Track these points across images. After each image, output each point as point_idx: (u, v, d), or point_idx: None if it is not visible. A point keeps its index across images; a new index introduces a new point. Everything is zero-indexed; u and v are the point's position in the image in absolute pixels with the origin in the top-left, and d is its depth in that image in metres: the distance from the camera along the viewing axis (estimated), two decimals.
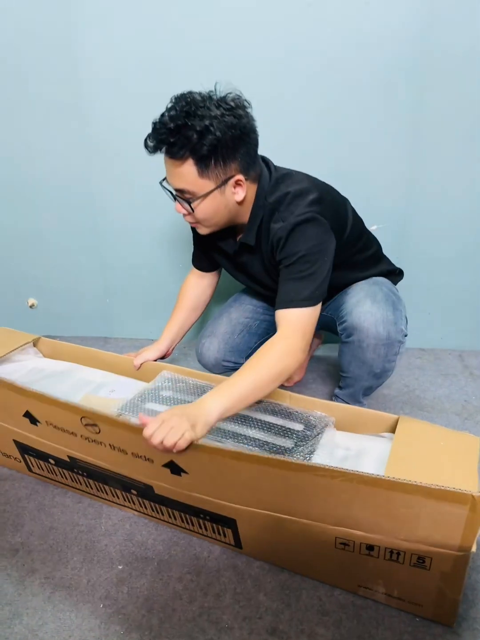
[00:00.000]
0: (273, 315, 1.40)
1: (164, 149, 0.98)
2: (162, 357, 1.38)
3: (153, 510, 1.07)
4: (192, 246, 1.38)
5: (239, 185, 1.04)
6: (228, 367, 1.37)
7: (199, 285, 1.40)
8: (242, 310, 1.40)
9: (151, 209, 1.70)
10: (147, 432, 0.85)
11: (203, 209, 1.04)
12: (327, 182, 1.19)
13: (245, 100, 1.01)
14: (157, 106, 1.49)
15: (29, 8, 1.46)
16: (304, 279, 1.03)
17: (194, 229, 1.28)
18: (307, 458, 1.00)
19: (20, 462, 1.23)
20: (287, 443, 1.06)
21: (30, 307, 1.95)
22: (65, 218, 1.77)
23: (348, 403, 1.34)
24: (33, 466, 1.21)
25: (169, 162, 1.00)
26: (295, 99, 1.48)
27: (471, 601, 0.92)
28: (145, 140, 1.00)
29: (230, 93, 1.00)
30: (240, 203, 1.07)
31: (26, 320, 1.96)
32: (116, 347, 1.89)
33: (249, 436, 1.05)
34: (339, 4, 1.36)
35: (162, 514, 1.06)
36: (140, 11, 1.43)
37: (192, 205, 1.04)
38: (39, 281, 1.91)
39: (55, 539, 1.08)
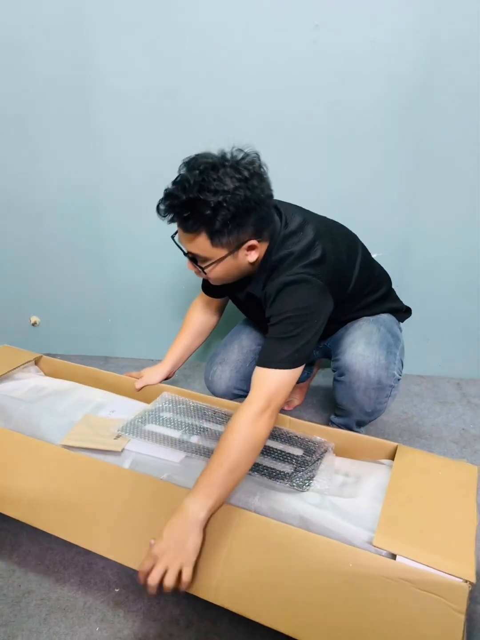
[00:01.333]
0: None
1: (170, 218, 0.98)
2: (164, 379, 1.39)
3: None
4: None
5: (252, 248, 1.03)
6: (238, 395, 1.38)
7: (207, 310, 1.41)
8: (252, 338, 1.40)
9: (156, 231, 1.72)
10: (143, 579, 0.81)
11: (215, 272, 1.05)
12: (328, 211, 1.21)
13: (262, 165, 0.99)
14: (165, 127, 1.56)
15: (40, 22, 1.49)
16: (285, 340, 0.99)
17: None
18: (306, 483, 1.01)
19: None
20: (287, 468, 1.06)
21: (33, 325, 1.96)
22: (70, 237, 1.80)
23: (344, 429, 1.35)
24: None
25: (181, 230, 1.00)
26: (299, 130, 1.52)
27: (470, 632, 0.92)
28: (158, 205, 0.99)
29: (246, 155, 0.97)
30: (252, 263, 1.07)
31: (28, 338, 1.97)
32: (116, 367, 1.90)
33: None
34: (344, 41, 1.41)
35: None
36: (151, 31, 1.47)
37: (205, 269, 1.04)
38: (42, 299, 1.93)
39: (52, 560, 1.08)
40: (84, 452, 1.11)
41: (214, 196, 0.91)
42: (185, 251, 1.05)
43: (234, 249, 1.00)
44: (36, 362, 1.53)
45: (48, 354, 1.51)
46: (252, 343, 1.39)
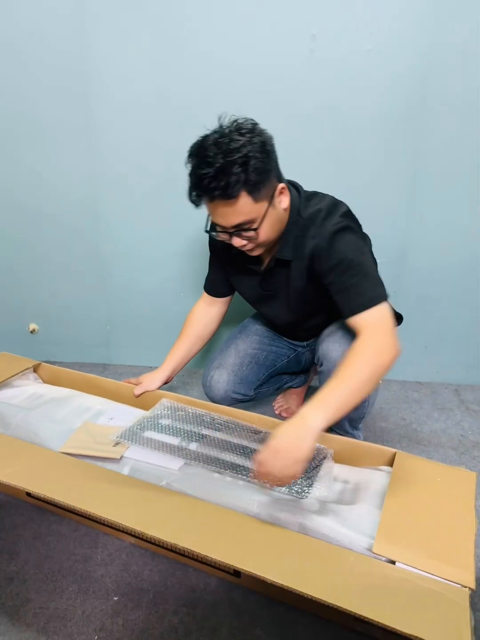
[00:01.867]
0: (279, 346, 1.43)
1: (208, 198, 0.99)
2: (163, 384, 1.39)
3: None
4: (208, 270, 1.39)
5: (282, 192, 1.07)
6: (236, 399, 1.38)
7: (208, 313, 1.41)
8: (248, 342, 1.41)
9: (156, 237, 1.74)
10: (262, 469, 0.89)
11: (265, 230, 1.06)
12: None
13: (250, 119, 1.03)
14: (165, 136, 1.56)
15: (41, 31, 1.51)
16: (360, 283, 1.03)
17: (214, 253, 1.31)
18: (306, 491, 1.00)
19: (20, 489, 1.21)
20: None
21: (31, 332, 1.96)
22: (69, 244, 1.80)
23: (341, 434, 1.34)
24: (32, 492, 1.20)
25: (222, 204, 0.99)
26: (297, 139, 1.53)
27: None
28: (191, 194, 1.01)
29: (236, 119, 1.02)
30: (285, 210, 1.10)
31: (26, 345, 1.97)
32: (115, 374, 1.90)
33: (247, 467, 1.06)
34: (341, 51, 1.43)
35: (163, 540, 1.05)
36: (151, 40, 1.48)
37: (257, 231, 1.04)
38: (41, 306, 1.93)
39: (51, 569, 1.07)
40: (83, 459, 1.11)
41: (238, 153, 0.94)
42: (229, 229, 1.05)
43: (271, 197, 1.03)
44: (35, 369, 1.53)
45: (47, 362, 1.51)
46: (248, 347, 1.40)
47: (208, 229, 1.10)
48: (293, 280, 1.18)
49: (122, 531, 1.11)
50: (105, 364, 1.98)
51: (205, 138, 1.00)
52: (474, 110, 1.45)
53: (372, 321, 0.99)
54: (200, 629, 0.94)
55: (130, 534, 1.11)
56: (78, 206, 1.73)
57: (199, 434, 1.20)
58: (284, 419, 1.52)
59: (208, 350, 1.75)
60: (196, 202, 1.02)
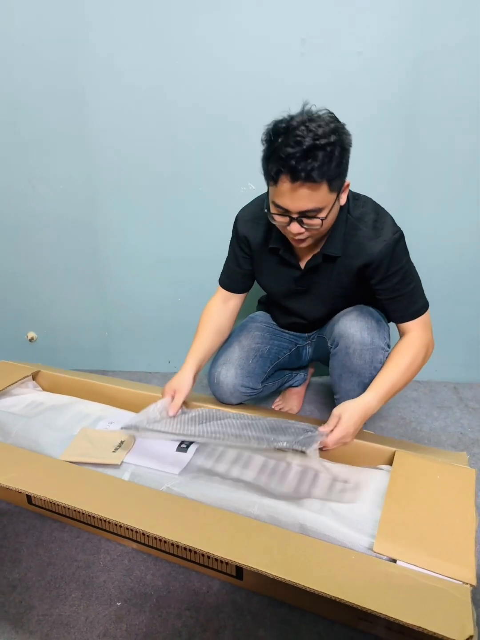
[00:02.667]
0: (281, 340, 1.45)
1: (290, 177, 0.95)
2: None
3: (155, 538, 1.06)
4: (225, 266, 1.36)
5: (345, 189, 1.07)
6: (245, 394, 1.36)
7: (226, 309, 1.37)
8: (251, 337, 1.41)
9: (153, 243, 1.75)
10: (337, 441, 1.09)
11: (329, 220, 1.06)
12: None
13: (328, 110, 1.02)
14: (159, 141, 1.57)
15: (35, 36, 1.51)
16: (414, 291, 1.17)
17: (240, 247, 1.28)
18: (309, 443, 1.07)
19: (22, 493, 1.21)
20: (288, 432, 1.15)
21: (30, 340, 1.97)
22: (66, 252, 1.80)
23: None
24: (34, 498, 1.21)
25: (300, 186, 0.96)
26: None
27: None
28: (270, 170, 0.98)
29: (319, 110, 1.00)
30: (342, 206, 1.11)
31: (25, 354, 1.98)
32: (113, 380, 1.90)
33: (272, 439, 1.12)
34: (331, 54, 1.44)
35: (164, 543, 1.06)
36: (144, 45, 1.49)
37: (323, 220, 1.03)
38: (39, 315, 1.93)
39: (54, 575, 1.07)
40: (83, 466, 1.12)
41: (326, 139, 0.94)
42: (294, 214, 1.02)
43: (339, 190, 1.04)
44: (34, 376, 1.53)
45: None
46: (251, 342, 1.39)
47: (268, 211, 1.06)
48: (338, 277, 1.21)
49: (124, 537, 1.12)
50: (105, 370, 1.99)
51: (291, 118, 0.97)
52: (465, 112, 1.46)
53: (421, 323, 1.17)
54: (204, 632, 0.95)
55: (132, 540, 1.11)
56: (75, 213, 1.73)
57: (215, 415, 1.24)
58: None
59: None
60: (274, 178, 0.98)
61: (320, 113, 0.99)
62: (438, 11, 1.37)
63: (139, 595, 1.02)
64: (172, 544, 1.04)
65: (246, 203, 1.30)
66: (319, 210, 1.02)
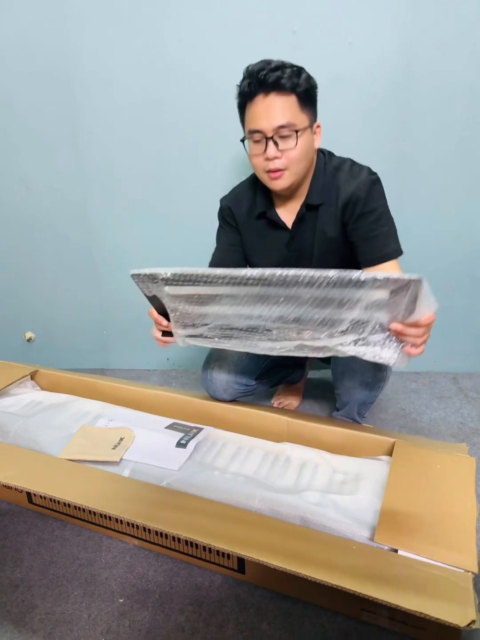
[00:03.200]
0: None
1: (263, 90, 1.03)
2: None
3: (157, 534, 1.06)
4: (214, 254, 1.34)
5: (317, 131, 1.13)
6: (239, 390, 1.36)
7: None
8: None
9: (148, 240, 1.74)
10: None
11: (302, 145, 1.08)
12: None
13: None
14: (151, 137, 1.57)
15: (26, 36, 1.51)
16: (387, 234, 1.13)
17: (229, 225, 1.28)
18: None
19: (22, 491, 1.21)
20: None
21: (28, 340, 1.96)
22: (62, 251, 1.80)
23: (348, 421, 1.34)
24: (34, 496, 1.20)
25: (272, 97, 1.04)
26: None
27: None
28: (243, 88, 1.06)
29: None
30: (316, 151, 1.16)
31: (23, 354, 1.97)
32: (113, 379, 1.89)
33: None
34: (322, 45, 1.43)
35: (166, 538, 1.06)
36: (134, 40, 1.48)
37: (296, 141, 1.06)
38: (36, 315, 1.93)
39: (55, 574, 1.07)
40: (83, 464, 1.12)
41: (295, 66, 1.05)
42: (269, 133, 1.05)
43: (312, 121, 1.10)
44: (32, 376, 1.53)
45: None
46: None
47: (243, 140, 1.12)
48: (323, 227, 1.20)
49: (125, 534, 1.11)
50: (103, 369, 1.98)
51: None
52: (456, 98, 1.46)
53: (392, 267, 1.13)
54: (207, 626, 0.95)
55: (133, 536, 1.11)
56: (69, 213, 1.73)
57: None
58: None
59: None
60: (250, 95, 1.05)
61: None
62: (428, 2, 1.37)
63: (141, 591, 1.02)
64: (174, 539, 1.03)
65: None
66: (293, 125, 1.05)
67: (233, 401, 1.38)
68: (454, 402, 1.66)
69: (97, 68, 1.52)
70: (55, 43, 1.50)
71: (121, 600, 1.00)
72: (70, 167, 1.66)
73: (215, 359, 1.37)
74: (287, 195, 1.18)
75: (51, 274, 1.85)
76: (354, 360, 1.19)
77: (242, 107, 1.10)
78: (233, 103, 1.53)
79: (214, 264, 1.34)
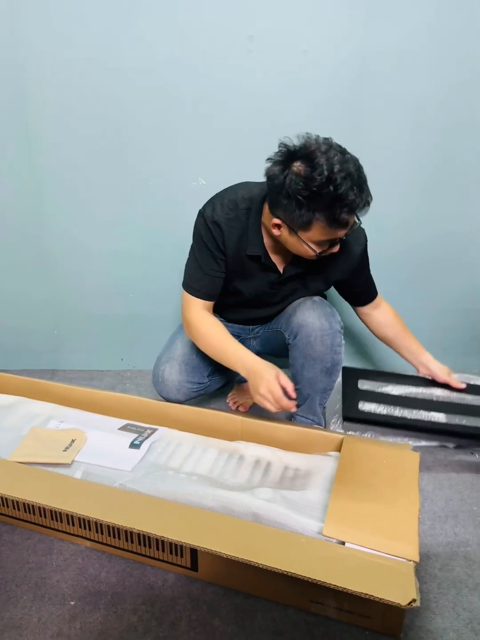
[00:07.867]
0: None
1: (354, 216, 1.10)
2: None
3: (109, 534, 1.05)
4: (197, 280, 1.26)
5: None
6: (192, 389, 1.36)
7: (212, 317, 1.29)
8: None
9: (101, 240, 1.72)
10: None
11: None
12: None
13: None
14: (104, 136, 1.55)
15: None
16: (370, 276, 1.39)
17: (219, 257, 1.24)
18: None
19: None
20: None
21: None
22: (12, 248, 1.75)
23: (308, 420, 1.36)
24: None
25: (355, 219, 1.12)
26: (237, 139, 1.55)
27: (416, 610, 0.96)
28: (337, 217, 1.05)
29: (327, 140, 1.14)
30: None
31: None
32: (65, 379, 1.86)
33: None
34: (278, 51, 1.46)
35: (119, 538, 1.05)
36: (89, 44, 1.47)
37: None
38: None
39: (4, 578, 1.05)
40: (33, 467, 1.10)
41: (358, 167, 1.11)
42: (339, 239, 1.14)
43: None
44: None
45: None
46: None
47: (318, 253, 1.13)
48: (314, 280, 1.32)
49: (77, 535, 1.10)
50: (54, 370, 1.94)
51: (329, 167, 1.04)
52: (408, 102, 1.52)
53: (381, 298, 1.43)
54: (160, 625, 0.95)
55: (85, 538, 1.10)
56: (20, 206, 1.67)
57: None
58: (272, 415, 1.51)
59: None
60: (343, 223, 1.08)
61: (331, 143, 1.12)
62: (379, 12, 1.42)
63: (93, 593, 1.01)
64: (126, 538, 1.03)
65: (202, 200, 1.25)
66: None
67: (187, 401, 1.38)
68: None
69: (51, 60, 1.48)
70: (6, 32, 1.46)
71: (72, 603, 0.99)
72: (21, 161, 1.60)
73: (165, 360, 1.36)
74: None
75: (1, 272, 1.79)
76: (313, 348, 1.25)
77: (325, 213, 1.05)
78: (190, 103, 1.54)
79: (199, 289, 1.26)
